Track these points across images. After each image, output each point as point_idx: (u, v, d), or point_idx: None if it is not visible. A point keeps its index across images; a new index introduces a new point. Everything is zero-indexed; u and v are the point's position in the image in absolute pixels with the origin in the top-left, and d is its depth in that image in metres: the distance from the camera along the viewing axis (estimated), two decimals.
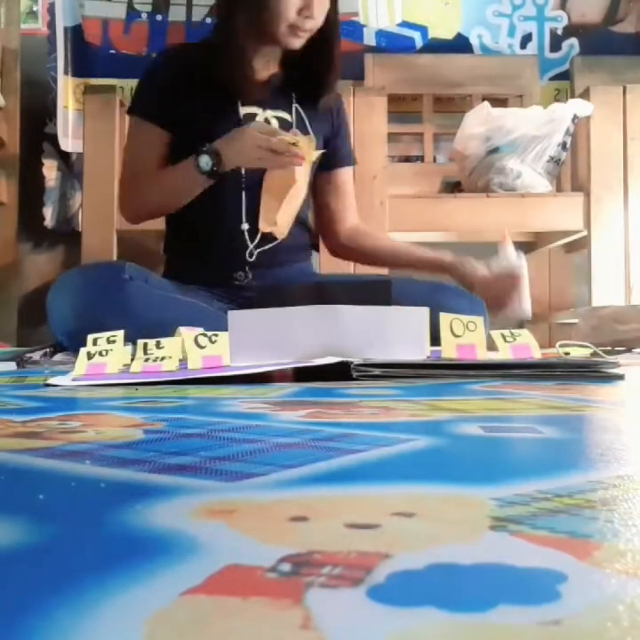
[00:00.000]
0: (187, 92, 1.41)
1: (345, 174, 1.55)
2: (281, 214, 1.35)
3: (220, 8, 1.48)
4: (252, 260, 1.43)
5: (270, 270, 1.44)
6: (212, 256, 1.43)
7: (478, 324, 0.95)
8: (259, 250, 1.43)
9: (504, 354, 0.94)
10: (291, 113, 1.47)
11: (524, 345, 0.96)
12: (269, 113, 1.45)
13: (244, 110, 1.43)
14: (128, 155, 1.48)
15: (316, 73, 1.45)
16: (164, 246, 1.54)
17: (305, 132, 1.43)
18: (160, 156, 1.43)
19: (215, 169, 1.29)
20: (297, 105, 1.47)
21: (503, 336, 0.96)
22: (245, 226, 1.41)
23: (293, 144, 1.26)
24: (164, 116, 1.42)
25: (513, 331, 0.98)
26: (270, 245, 1.42)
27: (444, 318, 0.92)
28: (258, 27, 1.37)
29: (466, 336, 0.93)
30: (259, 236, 1.41)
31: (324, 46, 1.42)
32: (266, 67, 1.45)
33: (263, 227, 1.36)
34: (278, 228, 1.36)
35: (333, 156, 1.51)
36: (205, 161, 1.29)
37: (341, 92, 1.63)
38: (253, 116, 1.43)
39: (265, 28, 1.36)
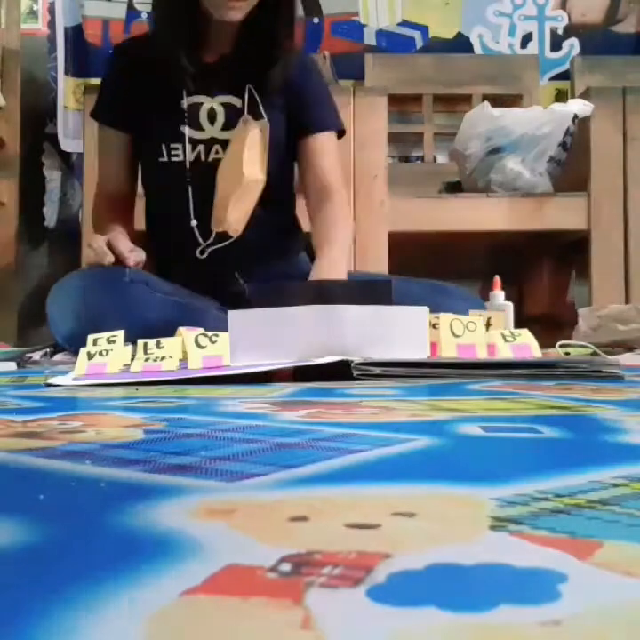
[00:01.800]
0: (135, 88, 1.38)
1: (321, 139, 1.42)
2: (231, 211, 1.30)
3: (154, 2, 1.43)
4: (203, 256, 1.38)
5: (257, 267, 1.40)
6: (169, 254, 1.42)
7: (478, 324, 0.95)
8: (212, 248, 1.38)
9: (504, 353, 0.94)
10: (241, 96, 1.38)
11: (524, 344, 0.96)
12: (219, 99, 1.38)
13: (189, 100, 1.36)
14: (99, 164, 1.48)
15: (267, 42, 1.35)
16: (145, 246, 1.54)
17: (257, 117, 1.36)
18: (125, 161, 1.42)
19: None
20: (250, 86, 1.37)
21: (503, 336, 0.96)
22: (194, 222, 1.37)
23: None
24: (118, 118, 1.40)
25: (513, 331, 0.98)
26: (225, 243, 1.37)
27: (444, 318, 0.92)
28: (190, 4, 1.30)
29: (466, 336, 0.93)
30: (212, 235, 1.37)
31: (272, 11, 1.32)
32: (214, 48, 1.38)
33: (214, 225, 1.33)
34: (230, 226, 1.32)
35: (302, 123, 1.42)
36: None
37: (340, 91, 1.61)
38: (198, 105, 1.37)
39: (199, 5, 1.30)
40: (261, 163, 1.33)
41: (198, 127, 1.37)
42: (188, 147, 1.36)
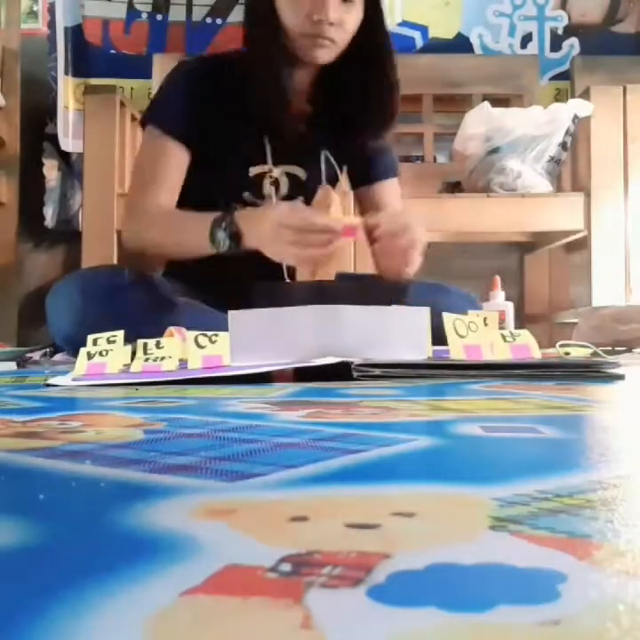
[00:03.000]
0: (210, 118, 1.26)
1: (387, 187, 1.42)
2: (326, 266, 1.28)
3: (244, 30, 1.28)
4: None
5: None
6: (229, 280, 1.31)
7: (479, 324, 0.95)
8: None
9: (504, 354, 0.94)
10: (307, 167, 1.31)
11: (523, 345, 0.96)
12: (281, 169, 1.32)
13: (253, 170, 1.30)
14: (143, 177, 1.29)
15: (357, 100, 1.26)
16: None
17: (334, 183, 1.32)
18: (179, 178, 1.28)
19: (231, 249, 1.13)
20: (326, 152, 1.31)
21: (503, 336, 0.96)
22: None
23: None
24: (191, 135, 1.27)
25: (513, 331, 0.98)
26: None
27: (448, 319, 0.92)
28: (277, 41, 1.20)
29: (470, 336, 0.93)
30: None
31: (370, 64, 1.24)
32: (294, 97, 1.27)
33: (306, 277, 1.31)
34: (324, 275, 1.32)
35: (372, 169, 1.40)
36: (221, 238, 1.12)
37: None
38: (263, 174, 1.30)
39: (285, 43, 1.21)
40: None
41: (260, 196, 1.33)
42: (249, 208, 1.29)
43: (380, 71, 1.25)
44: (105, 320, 1.15)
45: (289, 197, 1.32)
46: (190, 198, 1.27)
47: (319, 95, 1.30)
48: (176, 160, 1.27)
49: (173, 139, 1.27)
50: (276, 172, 1.33)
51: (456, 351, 0.90)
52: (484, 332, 0.95)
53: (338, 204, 1.27)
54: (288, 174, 1.34)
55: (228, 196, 1.28)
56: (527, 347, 0.96)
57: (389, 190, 1.42)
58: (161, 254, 1.29)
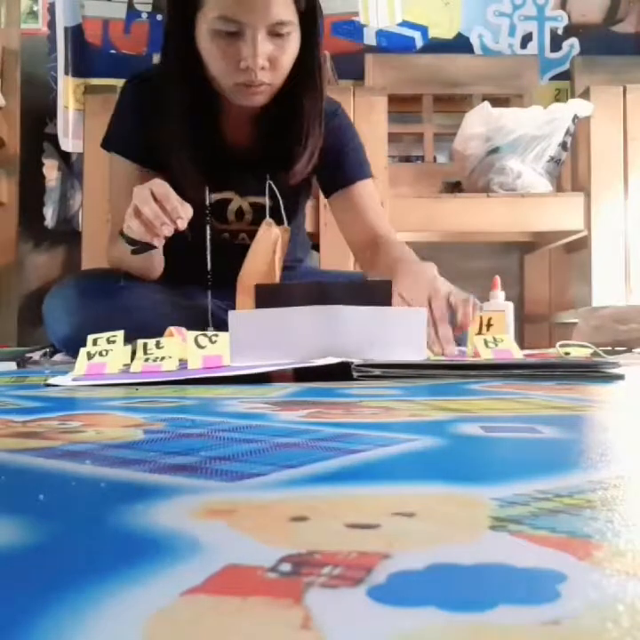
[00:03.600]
0: (154, 137, 1.23)
1: (359, 189, 1.36)
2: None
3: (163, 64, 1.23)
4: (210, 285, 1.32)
5: None
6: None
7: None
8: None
9: (486, 358, 0.95)
10: (264, 193, 1.30)
11: (505, 350, 0.97)
12: (248, 199, 1.32)
13: (213, 197, 1.29)
14: (115, 202, 1.29)
15: (290, 134, 1.23)
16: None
17: (278, 218, 1.29)
18: None
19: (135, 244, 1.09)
20: (271, 182, 1.29)
21: (485, 341, 0.98)
22: (209, 286, 1.30)
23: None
24: (144, 154, 1.26)
25: (495, 336, 0.99)
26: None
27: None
28: (209, 85, 1.17)
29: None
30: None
31: (295, 104, 1.19)
32: (240, 131, 1.27)
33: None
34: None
35: (341, 173, 1.36)
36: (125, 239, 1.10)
37: (341, 93, 1.62)
38: (226, 201, 1.30)
39: (215, 90, 1.18)
40: (280, 266, 1.27)
41: (224, 221, 1.32)
42: (211, 232, 1.30)
43: (308, 94, 1.20)
44: (102, 322, 1.14)
45: (254, 223, 1.30)
46: None
47: (260, 127, 1.27)
48: (137, 179, 1.21)
49: (135, 163, 1.26)
50: (242, 201, 1.32)
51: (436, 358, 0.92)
52: (470, 339, 0.97)
53: (278, 242, 1.25)
54: (251, 204, 1.33)
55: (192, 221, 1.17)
56: (509, 351, 0.97)
57: (363, 193, 1.35)
58: (136, 273, 1.28)
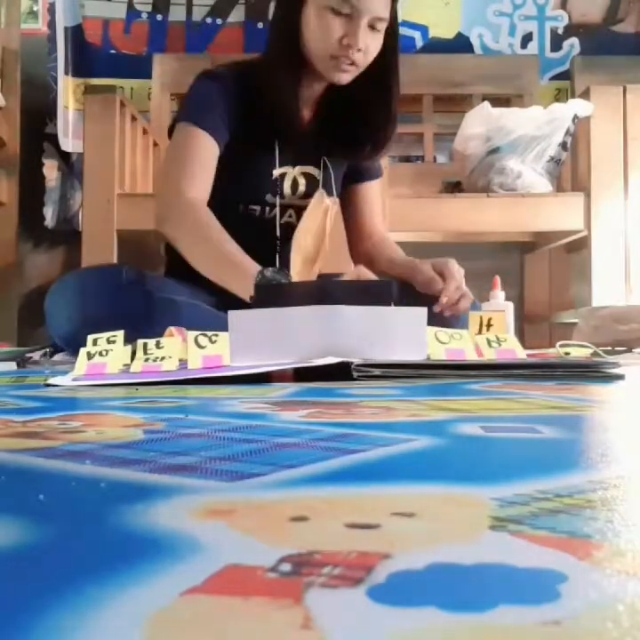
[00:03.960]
0: (235, 123, 1.32)
1: (372, 188, 1.53)
2: (313, 273, 1.36)
3: (268, 45, 1.35)
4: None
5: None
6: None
7: (463, 335, 0.96)
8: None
9: (489, 358, 0.94)
10: (319, 166, 1.41)
11: (509, 349, 0.97)
12: (299, 169, 1.40)
13: (276, 171, 1.37)
14: (177, 162, 1.29)
15: (359, 115, 1.35)
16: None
17: (329, 191, 1.39)
18: (212, 168, 1.30)
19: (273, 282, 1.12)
20: (325, 158, 1.40)
21: (488, 341, 0.97)
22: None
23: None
24: (219, 131, 1.31)
25: (499, 336, 0.99)
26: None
27: (429, 332, 0.93)
28: (297, 57, 1.28)
29: (452, 343, 0.94)
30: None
31: (378, 90, 1.32)
32: (308, 107, 1.38)
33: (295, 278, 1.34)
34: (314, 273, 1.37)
35: (362, 170, 1.49)
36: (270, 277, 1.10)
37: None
38: (283, 175, 1.39)
39: (306, 60, 1.28)
40: (327, 235, 1.38)
41: (281, 195, 1.40)
42: (267, 209, 1.39)
43: (384, 98, 1.34)
44: (104, 318, 1.15)
45: (306, 196, 1.39)
46: (212, 198, 1.29)
47: (325, 105, 1.38)
48: (209, 151, 1.29)
49: (206, 132, 1.29)
50: (295, 171, 1.40)
51: (437, 355, 0.92)
52: (468, 339, 0.96)
53: (330, 212, 1.35)
54: (304, 174, 1.42)
55: (250, 198, 1.37)
56: (512, 351, 0.97)
57: (372, 192, 1.52)
58: (186, 255, 1.26)
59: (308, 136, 1.38)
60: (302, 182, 1.41)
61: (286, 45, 1.28)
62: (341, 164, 1.45)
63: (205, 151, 1.28)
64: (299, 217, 1.37)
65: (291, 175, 1.40)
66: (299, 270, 1.31)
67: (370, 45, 1.26)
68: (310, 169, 1.42)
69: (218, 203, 1.28)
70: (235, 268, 1.14)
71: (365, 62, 1.27)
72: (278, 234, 1.39)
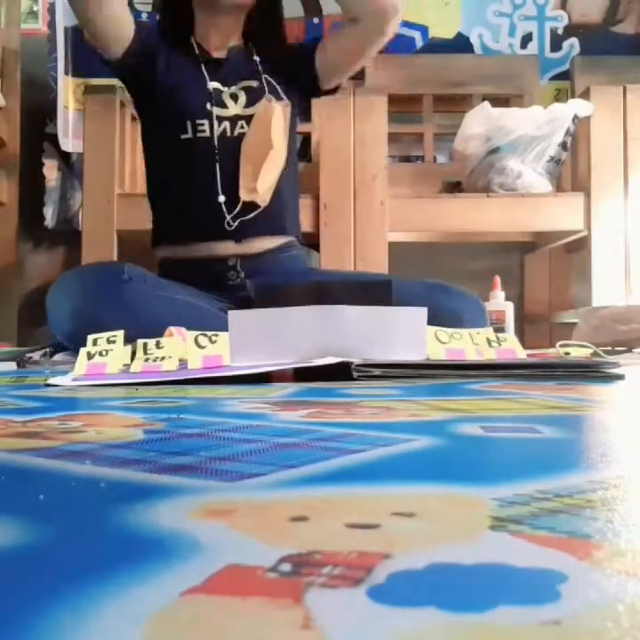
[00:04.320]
0: (155, 62, 1.46)
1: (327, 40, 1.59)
2: (260, 181, 1.36)
3: None
4: (231, 228, 1.42)
5: (257, 258, 1.43)
6: (192, 233, 1.44)
7: (463, 335, 0.96)
8: (239, 220, 1.42)
9: (489, 357, 0.94)
10: (260, 80, 1.49)
11: (509, 349, 0.97)
12: (235, 87, 1.48)
13: (211, 85, 1.46)
14: None
15: (267, 31, 1.51)
16: (152, 238, 1.53)
17: (278, 97, 1.46)
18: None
19: None
20: (266, 75, 1.50)
21: (488, 340, 0.97)
22: (222, 198, 1.41)
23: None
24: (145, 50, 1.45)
25: (499, 335, 0.99)
26: (251, 215, 1.42)
27: (429, 332, 0.93)
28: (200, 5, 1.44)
29: (452, 343, 0.94)
30: (239, 205, 1.41)
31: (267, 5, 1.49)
32: (223, 41, 1.50)
33: (243, 195, 1.37)
34: (259, 196, 1.37)
35: (312, 56, 1.54)
36: None
37: (340, 92, 1.64)
38: (219, 91, 1.46)
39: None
40: (283, 138, 1.42)
41: (223, 105, 1.45)
42: (215, 123, 1.43)
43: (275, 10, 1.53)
44: (104, 315, 1.16)
45: (250, 105, 1.46)
46: (163, 131, 1.45)
47: (248, 30, 1.54)
48: (135, 32, 1.45)
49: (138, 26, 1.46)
50: (233, 88, 1.48)
51: (437, 355, 0.91)
52: (468, 338, 0.96)
53: (279, 115, 1.39)
54: (245, 88, 1.49)
55: (193, 111, 1.44)
56: (512, 351, 0.97)
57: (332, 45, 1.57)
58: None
59: (236, 60, 1.49)
60: (242, 94, 1.47)
61: None
62: (284, 78, 1.52)
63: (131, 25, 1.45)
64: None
65: (228, 92, 1.47)
66: (247, 177, 1.37)
67: None
68: (248, 83, 1.49)
69: (165, 137, 1.44)
70: None
71: None
72: (216, 145, 1.42)
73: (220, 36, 1.50)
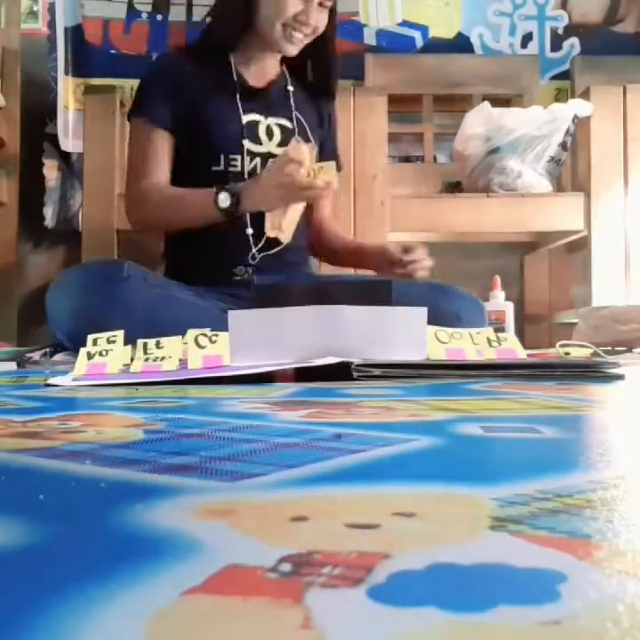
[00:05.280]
0: (189, 95, 1.42)
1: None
2: (286, 219, 1.37)
3: (214, 9, 1.53)
4: (254, 262, 1.44)
5: (273, 274, 1.45)
6: (215, 259, 1.44)
7: (463, 334, 0.96)
8: (262, 254, 1.44)
9: (489, 357, 0.94)
10: (291, 120, 1.50)
11: (509, 349, 0.97)
12: (271, 120, 1.48)
13: (246, 118, 1.45)
14: (136, 164, 1.45)
15: (317, 78, 1.52)
16: (164, 249, 1.54)
17: (306, 139, 1.45)
18: (169, 160, 1.44)
19: (231, 211, 1.31)
20: (296, 112, 1.50)
21: (489, 340, 0.97)
22: (250, 230, 1.43)
23: (319, 169, 1.29)
24: (168, 119, 1.42)
25: (499, 335, 0.99)
26: (274, 250, 1.44)
27: (429, 331, 0.93)
28: (252, 30, 1.41)
29: (452, 342, 0.94)
30: (263, 240, 1.42)
31: (323, 52, 1.49)
32: (263, 73, 1.49)
33: (269, 231, 1.38)
34: (283, 233, 1.39)
35: (325, 147, 1.55)
36: (224, 198, 1.31)
37: (340, 92, 1.64)
38: (256, 123, 1.46)
39: (260, 32, 1.41)
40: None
41: (257, 141, 1.46)
42: (247, 159, 1.44)
43: (329, 55, 1.52)
44: (104, 313, 1.16)
45: (282, 144, 1.46)
46: (195, 163, 1.43)
47: (291, 66, 1.53)
48: (162, 143, 1.43)
49: (157, 126, 1.42)
50: (268, 121, 1.48)
51: (437, 355, 0.91)
52: (468, 338, 0.96)
53: (308, 155, 1.38)
54: (279, 125, 1.50)
55: (228, 146, 1.43)
56: (513, 350, 0.96)
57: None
58: (171, 228, 1.45)
59: (273, 91, 1.49)
60: (277, 131, 1.48)
61: (234, 7, 1.41)
62: (313, 119, 1.54)
63: (156, 143, 1.43)
64: None
65: (264, 124, 1.47)
66: (275, 217, 1.38)
67: (319, 22, 1.40)
68: (283, 121, 1.50)
69: (196, 169, 1.42)
70: (195, 198, 1.36)
71: (312, 35, 1.41)
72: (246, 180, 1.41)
73: (261, 65, 1.48)
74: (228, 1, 1.44)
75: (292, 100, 1.50)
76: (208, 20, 1.58)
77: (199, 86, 1.43)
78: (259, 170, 1.43)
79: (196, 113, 1.42)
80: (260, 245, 1.43)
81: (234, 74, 1.46)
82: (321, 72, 1.53)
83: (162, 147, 1.43)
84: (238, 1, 1.40)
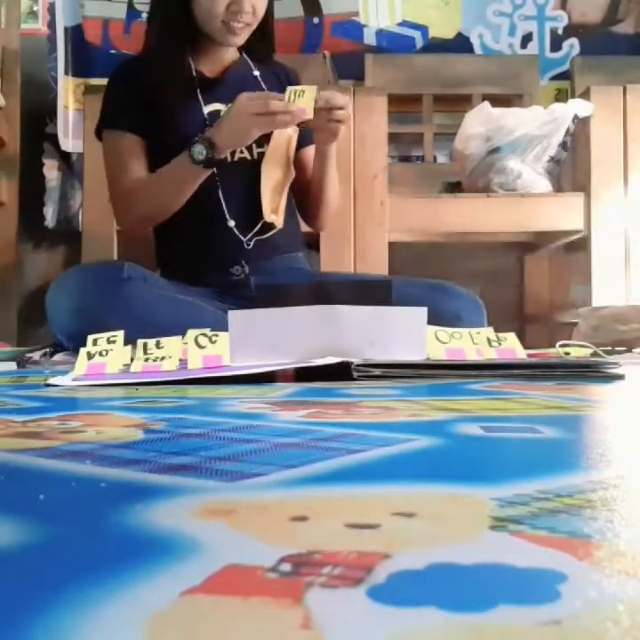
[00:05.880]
0: (150, 96, 1.42)
1: (310, 152, 1.51)
2: (282, 202, 1.37)
3: (150, 15, 1.49)
4: (249, 248, 1.42)
5: (266, 261, 1.43)
6: (208, 257, 1.43)
7: (463, 334, 0.96)
8: (256, 238, 1.42)
9: (489, 357, 0.94)
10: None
11: (509, 349, 0.97)
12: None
13: (207, 108, 1.43)
14: (114, 170, 1.45)
15: (259, 50, 1.50)
16: (156, 252, 1.53)
17: None
18: (144, 161, 1.43)
19: (210, 157, 1.28)
20: (265, 88, 1.47)
21: (489, 340, 0.97)
22: (231, 222, 1.41)
23: (297, 95, 1.23)
24: (134, 124, 1.42)
25: (499, 335, 0.99)
26: (267, 234, 1.42)
27: (429, 331, 0.93)
28: (194, 28, 1.40)
29: (452, 342, 0.94)
30: (258, 225, 1.40)
31: (260, 25, 1.45)
32: (220, 62, 1.48)
33: (267, 216, 1.37)
34: (278, 218, 1.38)
35: (301, 136, 1.50)
36: (199, 150, 1.28)
37: (340, 92, 1.63)
38: (218, 112, 1.43)
39: (203, 28, 1.40)
40: (291, 162, 1.41)
41: None
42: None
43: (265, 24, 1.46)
44: (104, 313, 1.16)
45: None
46: (167, 161, 1.38)
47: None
48: (134, 147, 1.42)
49: (126, 132, 1.43)
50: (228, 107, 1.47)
51: (437, 355, 0.91)
52: (468, 338, 0.96)
53: (292, 136, 1.36)
54: None
55: (191, 138, 1.38)
56: (512, 350, 0.96)
57: (311, 155, 1.51)
58: (163, 211, 1.41)
59: (231, 78, 1.46)
60: None
61: (172, 13, 1.39)
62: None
63: (130, 146, 1.42)
64: (250, 152, 1.41)
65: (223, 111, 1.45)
66: (269, 198, 1.37)
67: (256, 4, 1.36)
68: None
69: (166, 163, 1.38)
70: (172, 165, 1.33)
71: (257, 20, 1.39)
72: (216, 171, 1.38)
73: (218, 56, 1.47)
74: (163, 5, 1.43)
75: (262, 84, 1.47)
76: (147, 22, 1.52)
77: (159, 86, 1.42)
78: (228, 158, 1.39)
79: (160, 112, 1.41)
80: (253, 232, 1.41)
81: (191, 68, 1.44)
82: (258, 40, 1.48)
83: (135, 150, 1.42)
84: (173, 4, 1.39)
